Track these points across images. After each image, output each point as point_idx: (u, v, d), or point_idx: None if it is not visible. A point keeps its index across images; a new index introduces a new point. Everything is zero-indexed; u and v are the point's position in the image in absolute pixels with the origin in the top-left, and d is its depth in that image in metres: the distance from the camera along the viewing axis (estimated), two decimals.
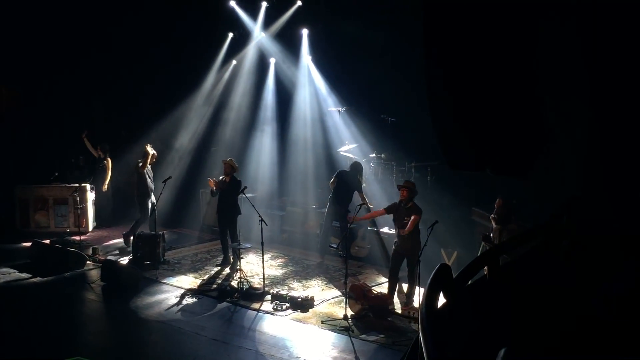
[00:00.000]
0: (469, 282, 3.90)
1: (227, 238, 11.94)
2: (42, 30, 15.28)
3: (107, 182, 14.93)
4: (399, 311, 9.58)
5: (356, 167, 12.06)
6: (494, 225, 9.28)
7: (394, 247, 10.08)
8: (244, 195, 11.59)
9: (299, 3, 14.65)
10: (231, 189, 11.65)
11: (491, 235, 9.17)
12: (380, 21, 12.96)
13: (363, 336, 8.67)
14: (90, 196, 14.84)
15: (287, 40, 15.32)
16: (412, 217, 9.57)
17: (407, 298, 9.90)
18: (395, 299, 10.04)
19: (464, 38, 3.47)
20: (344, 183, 11.97)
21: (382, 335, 8.68)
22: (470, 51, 3.43)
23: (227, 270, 11.75)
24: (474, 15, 3.36)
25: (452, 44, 3.48)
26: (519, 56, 3.39)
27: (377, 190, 12.87)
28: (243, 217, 12.12)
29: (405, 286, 10.09)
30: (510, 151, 3.63)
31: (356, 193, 11.96)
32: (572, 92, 3.63)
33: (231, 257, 11.89)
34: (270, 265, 12.14)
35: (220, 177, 11.92)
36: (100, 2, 15.08)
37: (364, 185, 12.20)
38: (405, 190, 9.80)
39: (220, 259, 12.28)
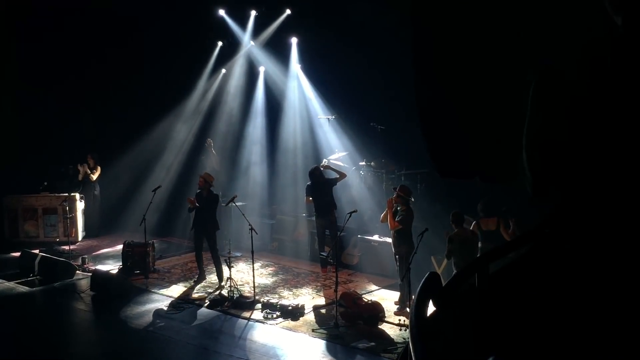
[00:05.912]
0: (459, 290, 3.91)
1: (202, 253, 11.59)
2: (31, 41, 15.26)
3: (94, 175, 15.09)
4: (390, 319, 9.58)
5: (314, 172, 12.00)
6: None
7: (393, 251, 10.25)
8: (233, 204, 11.57)
9: (288, 12, 14.68)
10: (208, 204, 11.33)
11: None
12: (369, 30, 12.99)
13: (354, 344, 8.68)
14: (80, 206, 14.78)
15: (277, 49, 15.33)
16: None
17: (401, 304, 9.91)
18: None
19: (452, 47, 3.51)
20: (317, 193, 11.92)
21: (372, 343, 8.68)
22: (458, 60, 3.46)
23: (217, 279, 11.59)
24: (460, 25, 3.40)
25: (441, 53, 3.51)
26: (508, 64, 3.43)
27: (366, 198, 12.87)
28: (233, 226, 12.00)
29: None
30: (498, 158, 3.66)
31: (339, 195, 11.90)
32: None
33: (225, 267, 11.55)
34: (261, 273, 12.11)
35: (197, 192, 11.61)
36: (89, 15, 15.07)
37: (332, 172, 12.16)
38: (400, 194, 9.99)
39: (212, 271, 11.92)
